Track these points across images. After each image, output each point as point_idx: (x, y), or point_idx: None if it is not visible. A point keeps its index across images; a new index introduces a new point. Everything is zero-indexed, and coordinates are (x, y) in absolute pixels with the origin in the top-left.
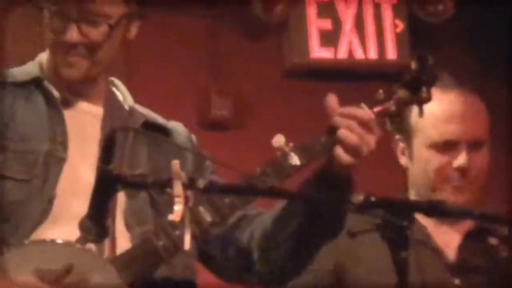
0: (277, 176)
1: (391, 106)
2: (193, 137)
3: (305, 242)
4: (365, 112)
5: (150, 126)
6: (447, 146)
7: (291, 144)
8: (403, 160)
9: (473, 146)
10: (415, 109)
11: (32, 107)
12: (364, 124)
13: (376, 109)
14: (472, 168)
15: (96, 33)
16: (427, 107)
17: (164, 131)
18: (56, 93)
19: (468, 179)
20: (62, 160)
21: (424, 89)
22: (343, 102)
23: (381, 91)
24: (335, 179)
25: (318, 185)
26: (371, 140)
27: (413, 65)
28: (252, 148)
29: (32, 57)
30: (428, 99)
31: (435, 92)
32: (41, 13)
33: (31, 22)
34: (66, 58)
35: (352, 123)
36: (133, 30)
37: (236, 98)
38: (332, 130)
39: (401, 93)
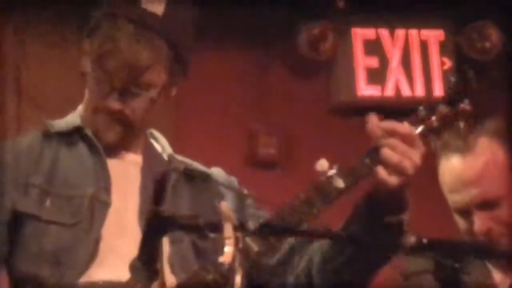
0: (322, 201)
1: (434, 122)
2: (234, 179)
3: (364, 265)
4: (406, 126)
5: (189, 173)
6: (461, 213)
7: (334, 167)
8: None
9: (487, 206)
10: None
11: (75, 155)
12: (406, 139)
13: (418, 125)
14: (493, 227)
15: (137, 103)
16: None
17: (203, 177)
18: (97, 141)
19: (495, 235)
20: (106, 204)
21: (465, 102)
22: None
23: (421, 107)
24: (385, 204)
25: (368, 214)
26: (414, 156)
27: (453, 79)
28: (300, 186)
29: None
30: (470, 112)
31: (442, 159)
32: (85, 76)
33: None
34: (105, 122)
35: (394, 140)
36: (174, 91)
37: (283, 136)
38: (375, 150)
39: (442, 108)
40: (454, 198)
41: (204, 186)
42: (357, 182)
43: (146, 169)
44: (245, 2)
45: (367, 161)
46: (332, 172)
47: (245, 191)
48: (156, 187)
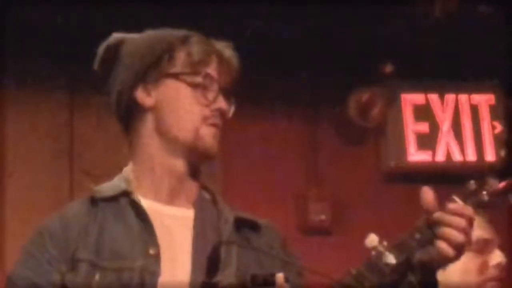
0: (374, 276)
1: (484, 196)
2: (282, 235)
3: None
4: (469, 209)
5: (240, 223)
6: None
7: (385, 243)
8: None
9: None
10: None
11: (122, 222)
12: (460, 215)
13: (469, 200)
14: None
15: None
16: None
17: (254, 227)
18: (144, 204)
19: None
20: (156, 274)
21: None
22: (442, 204)
23: (472, 181)
24: (430, 272)
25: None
26: (469, 231)
27: (502, 152)
28: (352, 252)
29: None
30: None
31: None
32: (179, 89)
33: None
34: (214, 131)
35: (459, 220)
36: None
37: (333, 202)
38: (427, 224)
39: (493, 182)
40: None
41: (253, 236)
42: (409, 258)
43: (198, 224)
44: (295, 67)
45: (418, 236)
46: (382, 247)
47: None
48: (210, 258)
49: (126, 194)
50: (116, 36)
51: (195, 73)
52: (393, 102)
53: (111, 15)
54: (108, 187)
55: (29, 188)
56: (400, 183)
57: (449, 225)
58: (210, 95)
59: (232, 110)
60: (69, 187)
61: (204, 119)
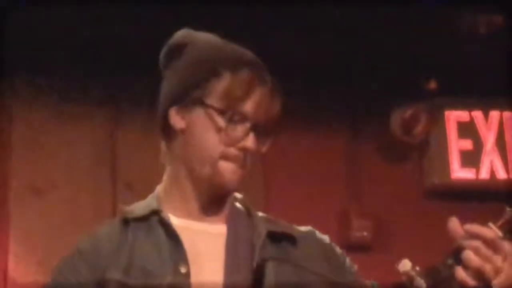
0: None
1: None
2: (326, 238)
3: None
4: (490, 230)
5: (274, 236)
6: None
7: (417, 268)
8: None
9: None
10: None
11: (152, 240)
12: (490, 243)
13: (504, 228)
14: None
15: (256, 143)
16: None
17: (289, 240)
18: (174, 222)
19: None
20: None
21: None
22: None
23: (508, 208)
24: None
25: None
26: (497, 261)
27: None
28: (393, 269)
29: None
30: None
31: None
32: (212, 120)
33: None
34: (231, 166)
35: (477, 243)
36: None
37: (375, 219)
38: (458, 251)
39: None
40: None
41: (290, 248)
42: (440, 283)
43: (230, 240)
44: (338, 82)
45: (450, 262)
46: (414, 272)
47: (339, 250)
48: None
49: (156, 213)
50: (183, 35)
51: (229, 108)
52: (437, 119)
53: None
54: (139, 207)
55: (71, 201)
56: (443, 200)
57: (471, 249)
58: (237, 134)
59: (266, 146)
60: (111, 200)
61: (225, 155)
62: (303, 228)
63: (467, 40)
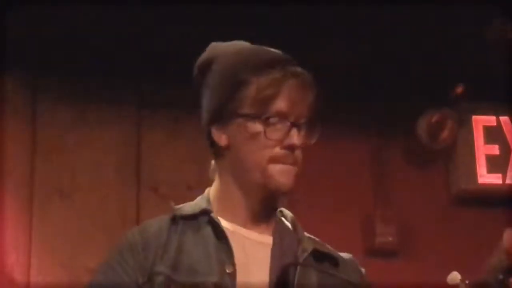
0: None
1: None
2: (363, 270)
3: None
4: None
5: (319, 255)
6: None
7: (467, 282)
8: None
9: None
10: None
11: (200, 239)
12: None
13: None
14: None
15: (301, 136)
16: None
17: (332, 261)
18: (223, 224)
19: None
20: None
21: None
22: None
23: None
24: None
25: None
26: None
27: None
28: (419, 275)
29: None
30: None
31: None
32: (249, 127)
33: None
34: (282, 167)
35: None
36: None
37: (401, 224)
38: (510, 266)
39: None
40: None
41: (331, 272)
42: None
43: (276, 251)
44: (365, 86)
45: (501, 277)
46: (464, 286)
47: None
48: (279, 279)
49: (205, 212)
50: (209, 51)
51: (263, 111)
52: (464, 124)
53: (182, 31)
54: (189, 206)
55: (95, 203)
56: (470, 206)
57: None
58: (279, 134)
59: (313, 137)
60: (135, 204)
61: (273, 159)
62: (344, 254)
63: (495, 45)
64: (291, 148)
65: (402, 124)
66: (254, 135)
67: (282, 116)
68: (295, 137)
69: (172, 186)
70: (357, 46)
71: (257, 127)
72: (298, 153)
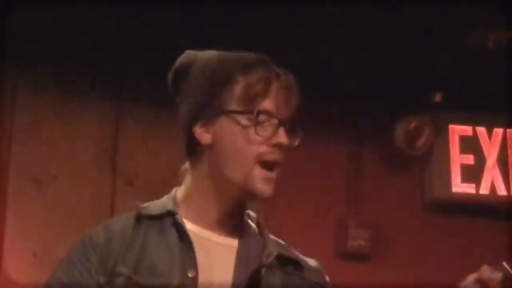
0: None
1: None
2: (327, 278)
3: None
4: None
5: (283, 259)
6: None
7: None
8: None
9: None
10: None
11: (163, 241)
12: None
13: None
14: None
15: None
16: None
17: (296, 265)
18: (188, 227)
19: None
20: None
21: None
22: (484, 240)
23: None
24: None
25: None
26: None
27: None
28: (390, 279)
29: None
30: None
31: None
32: (235, 125)
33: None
34: (266, 174)
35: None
36: None
37: (374, 229)
38: None
39: None
40: None
41: (295, 275)
42: None
43: (241, 254)
44: (341, 92)
45: None
46: None
47: None
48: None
49: (171, 214)
50: (185, 57)
51: (251, 109)
52: (440, 133)
53: (163, 26)
54: (155, 206)
55: (70, 194)
56: (443, 213)
57: None
58: (267, 131)
59: (297, 139)
60: (110, 195)
61: (259, 156)
62: (311, 261)
63: (475, 55)
64: (278, 146)
65: (378, 130)
66: (242, 131)
67: (270, 114)
68: (283, 136)
69: (147, 180)
70: (336, 51)
71: (246, 123)
72: (282, 153)
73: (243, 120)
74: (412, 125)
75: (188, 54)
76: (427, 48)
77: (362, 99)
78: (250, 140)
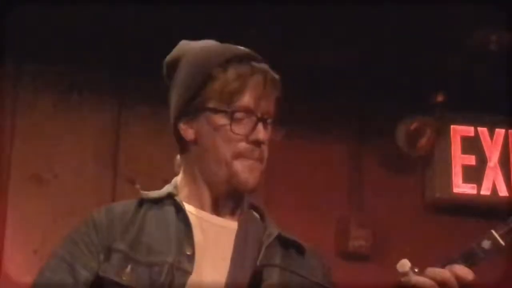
0: None
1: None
2: (326, 263)
3: None
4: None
5: (284, 240)
6: None
7: (416, 270)
8: None
9: None
10: None
11: (162, 221)
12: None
13: (508, 235)
14: None
15: (267, 132)
16: None
17: (298, 248)
18: (187, 208)
19: None
20: (187, 273)
21: None
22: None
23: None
24: None
25: None
26: None
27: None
28: (390, 279)
29: None
30: None
31: None
32: (212, 120)
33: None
34: (247, 163)
35: (422, 281)
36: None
37: (375, 229)
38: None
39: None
40: None
41: (297, 258)
42: None
43: (241, 235)
44: (344, 92)
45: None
46: (413, 273)
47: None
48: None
49: (170, 196)
50: (176, 50)
51: (229, 105)
52: (442, 133)
53: (164, 24)
54: (156, 191)
55: (72, 191)
56: (444, 214)
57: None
58: (244, 129)
59: (279, 134)
60: (111, 193)
61: (238, 154)
62: (310, 246)
63: (477, 55)
64: (256, 143)
65: (380, 130)
66: (220, 129)
67: (248, 111)
68: (261, 133)
69: (148, 178)
70: (340, 52)
71: (223, 121)
72: (264, 148)
73: (220, 118)
74: (414, 125)
75: (180, 46)
76: (429, 48)
77: (364, 99)
78: (227, 138)
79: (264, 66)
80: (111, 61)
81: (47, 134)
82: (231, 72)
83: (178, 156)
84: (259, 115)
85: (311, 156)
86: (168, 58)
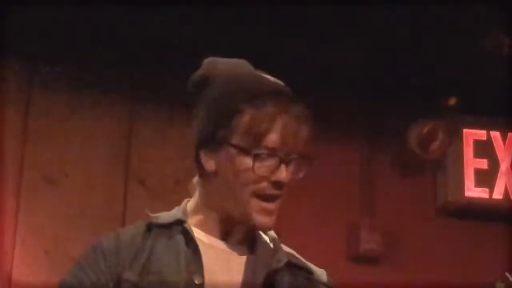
0: None
1: None
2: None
3: None
4: None
5: (293, 267)
6: None
7: None
8: None
9: None
10: None
11: (171, 248)
12: None
13: None
14: None
15: (290, 172)
16: None
17: (306, 275)
18: (196, 235)
19: None
20: None
21: None
22: (497, 245)
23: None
24: None
25: None
26: None
27: None
28: (401, 283)
29: None
30: None
31: None
32: (239, 158)
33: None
34: (265, 205)
35: None
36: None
37: (386, 233)
38: None
39: None
40: None
41: (304, 284)
42: None
43: (251, 260)
44: (355, 95)
45: None
46: None
47: None
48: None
49: (179, 222)
50: (202, 71)
51: (254, 145)
52: (454, 136)
53: (174, 24)
54: (165, 215)
55: (83, 192)
56: (456, 218)
57: None
58: (268, 169)
59: (302, 172)
60: (123, 195)
61: (257, 194)
62: (320, 271)
63: (489, 59)
64: (277, 184)
65: (392, 133)
66: (242, 169)
67: (272, 150)
68: (283, 174)
69: (160, 180)
70: (351, 54)
71: (246, 160)
72: (284, 188)
73: (243, 157)
74: (426, 129)
75: (207, 66)
76: (442, 51)
77: (375, 102)
78: (248, 177)
79: (294, 102)
80: (124, 62)
81: (58, 135)
82: (260, 110)
83: (195, 179)
84: (283, 155)
85: (322, 160)
86: (195, 77)
